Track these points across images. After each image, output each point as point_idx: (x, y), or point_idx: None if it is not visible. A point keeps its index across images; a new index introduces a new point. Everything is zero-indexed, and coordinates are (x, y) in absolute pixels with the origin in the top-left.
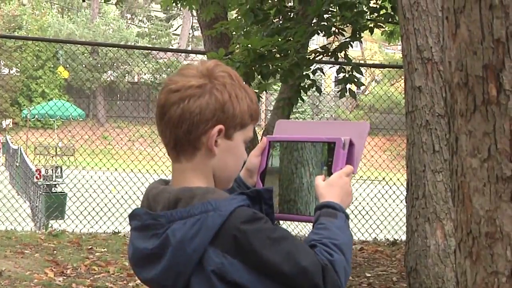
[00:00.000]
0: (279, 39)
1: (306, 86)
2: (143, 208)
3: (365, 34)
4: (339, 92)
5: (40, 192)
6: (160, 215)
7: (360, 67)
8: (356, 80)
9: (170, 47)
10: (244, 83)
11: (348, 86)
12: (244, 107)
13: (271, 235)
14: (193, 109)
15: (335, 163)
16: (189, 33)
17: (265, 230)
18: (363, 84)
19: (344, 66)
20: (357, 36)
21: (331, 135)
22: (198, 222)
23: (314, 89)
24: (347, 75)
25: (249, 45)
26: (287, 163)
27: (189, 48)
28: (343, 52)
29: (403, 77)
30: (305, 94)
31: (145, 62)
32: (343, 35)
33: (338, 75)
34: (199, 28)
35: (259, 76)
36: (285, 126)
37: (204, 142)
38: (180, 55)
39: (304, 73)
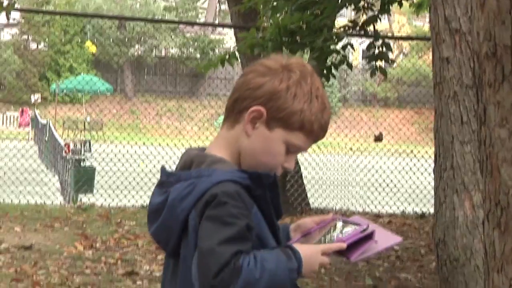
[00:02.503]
0: (309, 15)
1: (337, 62)
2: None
3: (394, 6)
4: (370, 70)
5: (69, 166)
6: (173, 174)
7: (389, 43)
8: (386, 57)
9: (197, 21)
10: (322, 94)
11: (378, 63)
12: (296, 108)
13: (224, 217)
14: (251, 82)
15: (344, 237)
16: (216, 7)
17: (227, 209)
18: (394, 61)
19: (374, 43)
20: (386, 9)
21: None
22: (191, 185)
23: (344, 64)
24: (376, 52)
25: (280, 22)
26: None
27: (216, 22)
28: (372, 25)
29: (431, 50)
30: (336, 70)
31: (172, 36)
32: (372, 9)
33: (369, 51)
34: (226, 2)
35: (288, 52)
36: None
37: (245, 118)
38: (207, 29)
39: (334, 48)
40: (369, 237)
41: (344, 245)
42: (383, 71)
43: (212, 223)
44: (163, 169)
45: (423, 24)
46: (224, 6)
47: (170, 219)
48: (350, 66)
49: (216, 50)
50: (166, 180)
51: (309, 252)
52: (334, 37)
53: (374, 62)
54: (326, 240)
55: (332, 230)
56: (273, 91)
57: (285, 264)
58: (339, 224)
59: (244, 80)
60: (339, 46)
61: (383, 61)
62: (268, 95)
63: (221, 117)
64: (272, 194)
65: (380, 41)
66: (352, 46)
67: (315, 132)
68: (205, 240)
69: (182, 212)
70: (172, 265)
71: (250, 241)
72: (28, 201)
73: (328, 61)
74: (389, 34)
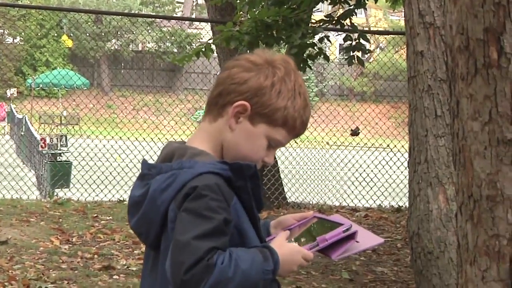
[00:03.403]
0: (285, 9)
1: (313, 54)
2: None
3: (369, 0)
4: (347, 60)
5: (45, 161)
6: (154, 166)
7: (366, 36)
8: (363, 47)
9: (174, 15)
10: (304, 91)
11: (355, 53)
12: (280, 105)
13: (203, 210)
14: (235, 77)
15: (327, 236)
16: (193, 1)
17: (206, 202)
18: (371, 51)
19: (351, 34)
20: (362, 3)
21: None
22: (172, 177)
23: (321, 57)
24: (353, 43)
25: (256, 16)
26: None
27: (193, 16)
28: (349, 19)
29: None
30: (312, 63)
31: (149, 31)
32: (348, 3)
33: (345, 43)
34: None
35: (264, 46)
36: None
37: (228, 112)
38: (184, 23)
39: (310, 42)
40: (351, 236)
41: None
42: (361, 61)
43: (190, 216)
44: (144, 161)
45: (399, 18)
46: (201, 1)
47: (150, 211)
48: (327, 58)
49: (193, 45)
50: (147, 172)
51: (288, 253)
52: (311, 32)
53: (351, 53)
54: (306, 237)
55: (312, 228)
56: (258, 87)
57: (260, 265)
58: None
59: (228, 74)
60: (315, 39)
61: (360, 52)
62: (253, 91)
63: (198, 112)
64: (253, 186)
65: (356, 34)
66: (328, 39)
67: (297, 128)
68: (180, 234)
69: (163, 204)
70: (152, 257)
71: (227, 236)
72: (3, 195)
73: (304, 54)
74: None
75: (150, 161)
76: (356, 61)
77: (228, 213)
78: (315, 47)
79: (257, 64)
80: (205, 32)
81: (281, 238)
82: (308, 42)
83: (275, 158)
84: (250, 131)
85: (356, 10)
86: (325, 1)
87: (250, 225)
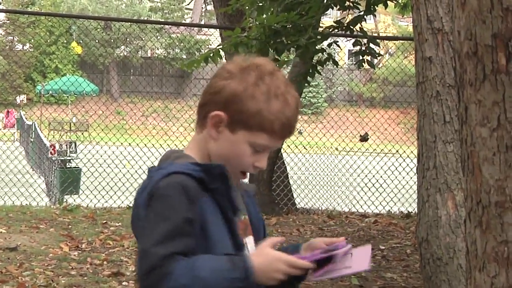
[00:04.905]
0: (294, 15)
1: (322, 60)
2: None
3: (379, 7)
4: (357, 63)
5: (55, 168)
6: (148, 171)
7: (375, 40)
8: (373, 52)
9: (183, 21)
10: (283, 92)
11: (365, 57)
12: (253, 109)
13: (163, 209)
14: (212, 87)
15: (306, 256)
16: (202, 8)
17: (167, 201)
18: (381, 55)
19: (360, 40)
20: (371, 9)
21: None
22: (148, 179)
23: (330, 62)
24: (363, 48)
25: (265, 22)
26: None
27: (202, 23)
28: (358, 25)
29: None
30: (322, 68)
31: (158, 37)
32: (358, 9)
33: (354, 48)
34: (212, 2)
35: (274, 52)
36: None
37: (208, 122)
38: (193, 29)
39: (319, 47)
40: (332, 258)
41: (310, 265)
42: (371, 64)
43: (151, 216)
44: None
45: (407, 24)
46: (210, 7)
47: (134, 213)
48: (335, 63)
49: (202, 51)
50: (147, 176)
51: (266, 261)
52: (318, 36)
53: (360, 56)
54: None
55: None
56: (232, 94)
57: (226, 273)
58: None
59: (208, 85)
60: (324, 44)
61: (369, 56)
62: (228, 99)
63: None
64: (223, 187)
65: (366, 39)
66: (337, 44)
67: (277, 131)
68: (141, 239)
69: (139, 205)
70: None
71: (189, 236)
72: (13, 202)
73: (313, 60)
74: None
75: None
76: (366, 64)
77: (192, 212)
78: (324, 53)
79: (231, 72)
80: (214, 38)
81: (262, 246)
82: (316, 47)
83: (283, 163)
84: (231, 139)
85: (365, 16)
86: (334, 7)
87: (221, 228)
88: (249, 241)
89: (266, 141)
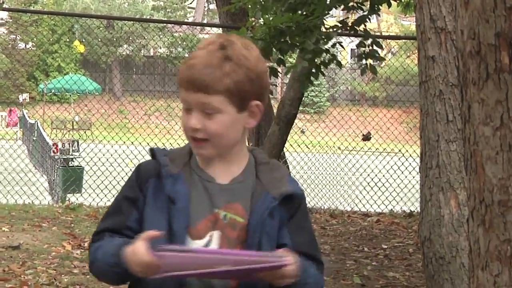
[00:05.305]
0: (299, 15)
1: (327, 61)
2: None
3: (382, 6)
4: (360, 69)
5: (57, 166)
6: None
7: (379, 41)
8: (377, 55)
9: (186, 20)
10: (193, 55)
11: (368, 61)
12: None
13: (120, 192)
14: None
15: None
16: (204, 6)
17: (124, 185)
18: (384, 59)
19: (364, 41)
20: (375, 9)
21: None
22: None
23: (334, 62)
24: (367, 50)
25: (271, 22)
26: None
27: (205, 21)
28: (362, 26)
29: None
30: (325, 69)
31: (161, 36)
32: (362, 9)
33: (358, 49)
34: (214, 1)
35: (278, 52)
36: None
37: None
38: (196, 28)
39: (324, 48)
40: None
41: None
42: (373, 70)
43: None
44: None
45: (410, 23)
46: (213, 6)
47: None
48: (339, 64)
49: None
50: None
51: (130, 252)
52: (324, 37)
53: (364, 61)
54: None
55: None
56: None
57: (108, 257)
58: None
59: None
60: (328, 44)
61: (372, 60)
62: None
63: None
64: (164, 174)
65: (370, 40)
66: (341, 44)
67: (179, 80)
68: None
69: None
70: None
71: (123, 214)
72: (16, 201)
73: (317, 60)
74: (378, 34)
75: None
76: (369, 70)
77: (133, 191)
78: (329, 53)
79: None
80: None
81: (141, 237)
82: (321, 48)
83: (286, 162)
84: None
85: (369, 16)
86: (338, 7)
87: (157, 212)
88: (215, 235)
89: (181, 94)
